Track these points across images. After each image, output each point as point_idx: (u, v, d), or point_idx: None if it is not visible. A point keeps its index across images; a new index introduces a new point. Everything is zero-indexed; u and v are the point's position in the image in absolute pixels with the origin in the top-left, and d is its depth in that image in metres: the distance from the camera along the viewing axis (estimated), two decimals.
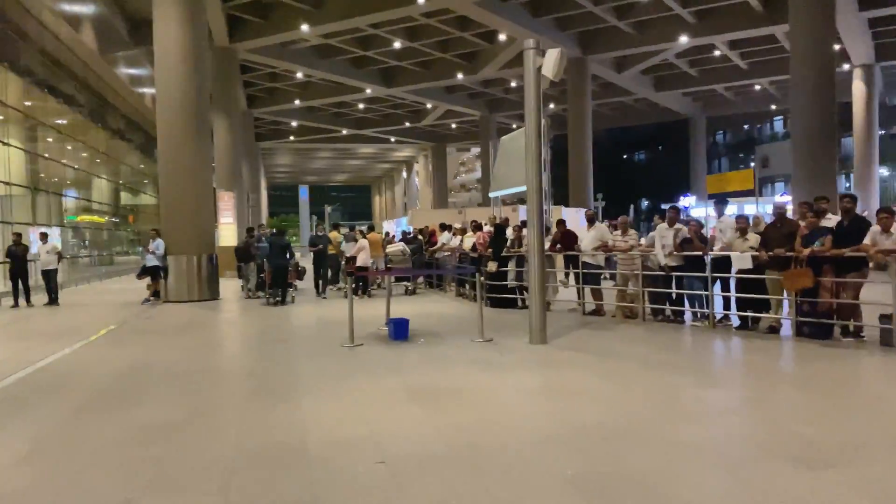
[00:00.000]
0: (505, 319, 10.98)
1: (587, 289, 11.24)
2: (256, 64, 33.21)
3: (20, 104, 20.15)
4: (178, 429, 5.23)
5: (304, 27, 25.79)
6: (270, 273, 15.12)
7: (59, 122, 23.94)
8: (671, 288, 9.99)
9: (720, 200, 10.22)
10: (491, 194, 16.90)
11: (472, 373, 6.97)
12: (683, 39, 29.64)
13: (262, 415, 5.57)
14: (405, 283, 17.03)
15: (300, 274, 17.26)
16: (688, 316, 10.11)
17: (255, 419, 5.44)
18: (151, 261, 16.00)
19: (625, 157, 68.24)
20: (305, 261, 19.51)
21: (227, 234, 24.85)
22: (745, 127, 62.53)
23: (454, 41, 31.76)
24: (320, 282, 16.75)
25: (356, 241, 17.13)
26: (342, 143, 58.92)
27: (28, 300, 15.76)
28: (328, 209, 49.04)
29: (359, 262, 15.71)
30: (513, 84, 40.11)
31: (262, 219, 43.53)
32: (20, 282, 15.59)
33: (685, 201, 39.07)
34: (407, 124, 50.30)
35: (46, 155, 22.74)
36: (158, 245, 16.01)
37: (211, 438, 4.97)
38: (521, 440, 4.68)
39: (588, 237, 11.25)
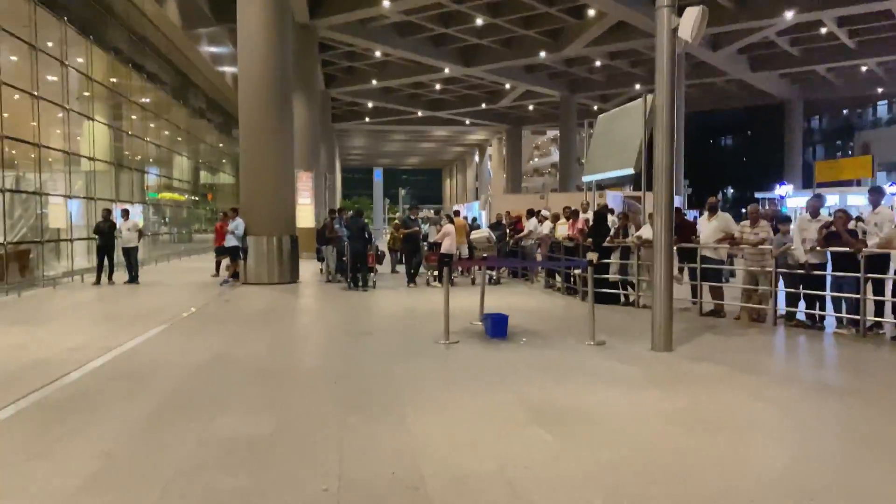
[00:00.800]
0: (609, 318, 9.90)
1: (706, 286, 10.01)
2: (335, 42, 32.71)
3: (105, 80, 20.09)
4: (268, 447, 4.45)
5: (386, 2, 24.99)
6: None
7: (143, 99, 23.95)
8: (812, 288, 8.69)
9: (876, 189, 8.82)
10: (585, 178, 15.70)
11: (597, 387, 5.97)
12: (789, 15, 27.42)
13: (362, 432, 4.74)
14: (490, 271, 16.07)
15: (379, 258, 16.57)
16: (829, 321, 8.80)
17: (356, 439, 4.61)
18: (231, 241, 15.57)
19: (711, 142, 65.14)
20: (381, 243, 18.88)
21: (305, 215, 24.43)
22: (844, 112, 58.57)
23: (539, 17, 30.38)
24: (412, 270, 15.73)
25: (439, 225, 16.31)
26: (416, 126, 58.26)
27: (110, 278, 15.61)
28: (402, 192, 48.43)
29: (443, 249, 14.87)
30: (597, 63, 38.43)
31: (337, 201, 43.44)
32: (106, 258, 15.46)
33: (782, 190, 36.66)
34: (483, 106, 49.11)
35: (129, 132, 22.75)
36: (238, 225, 15.56)
37: (307, 464, 4.16)
38: (703, 498, 3.67)
39: (708, 228, 10.01)
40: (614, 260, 11.23)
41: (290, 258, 16.13)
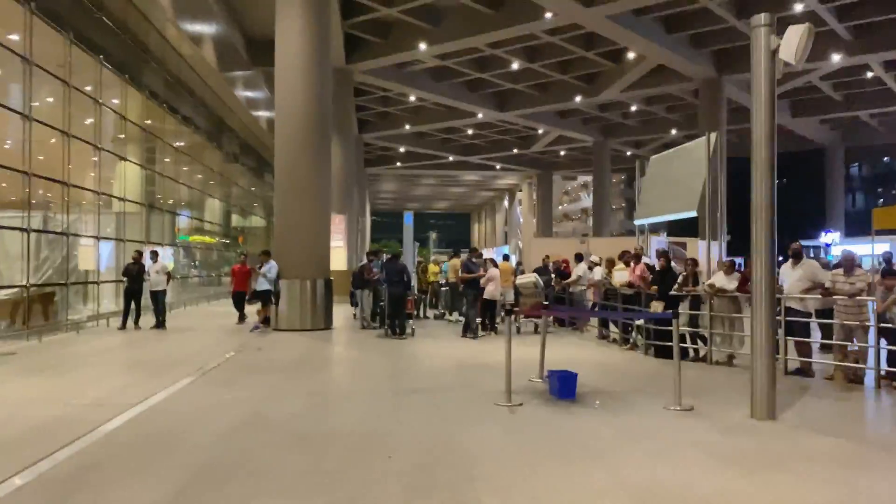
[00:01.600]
0: (683, 376, 8.87)
1: (791, 342, 8.95)
2: (370, 87, 32.54)
3: (140, 120, 19.80)
4: None
5: (423, 46, 24.69)
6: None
7: (177, 140, 23.69)
8: None
9: None
10: (638, 221, 14.82)
11: (707, 466, 4.96)
12: (836, 58, 26.59)
13: None
14: (536, 319, 15.08)
15: (417, 303, 15.73)
16: None
17: None
18: (262, 284, 14.83)
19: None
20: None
21: (338, 258, 23.77)
22: (886, 159, 57.15)
23: (575, 61, 29.95)
24: (478, 320, 14.07)
25: (483, 268, 15.43)
26: (447, 170, 57.99)
27: (137, 322, 14.93)
28: (433, 235, 47.82)
29: (487, 294, 13.98)
30: (632, 108, 37.81)
31: (367, 244, 42.83)
32: (133, 302, 14.82)
33: (827, 238, 35.28)
34: (515, 150, 48.69)
35: (162, 173, 22.42)
36: (271, 268, 14.85)
37: None
38: None
39: (793, 276, 8.99)
40: (683, 311, 10.20)
41: (324, 303, 15.33)
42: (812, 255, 30.87)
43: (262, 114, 31.77)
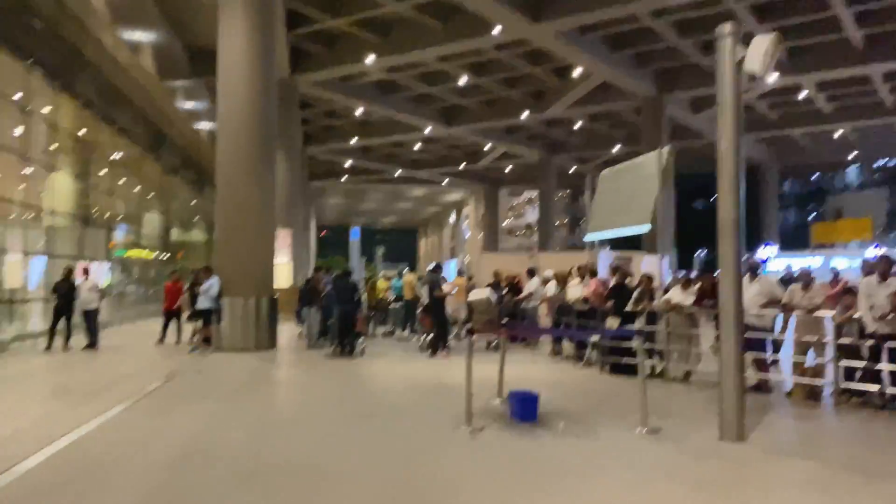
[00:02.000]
0: (630, 393, 8.70)
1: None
2: (315, 99, 32.01)
3: (73, 130, 18.83)
4: None
5: (370, 58, 24.34)
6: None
7: (113, 151, 22.67)
8: (880, 362, 7.60)
9: (886, 259, 7.86)
10: (589, 236, 14.70)
11: (684, 496, 4.71)
12: (773, 78, 27.37)
13: None
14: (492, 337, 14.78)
15: (367, 321, 15.29)
16: None
17: None
18: (203, 302, 14.14)
19: (686, 204, 65.38)
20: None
21: (282, 274, 23.09)
22: (814, 176, 59.43)
23: (522, 78, 30.09)
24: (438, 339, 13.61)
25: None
26: (394, 185, 57.69)
27: (67, 342, 14.01)
28: (381, 251, 47.30)
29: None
30: (577, 125, 38.23)
31: (312, 259, 42.03)
32: (64, 321, 13.92)
33: (765, 252, 36.22)
34: (462, 166, 48.72)
35: (97, 185, 21.40)
36: (212, 285, 14.17)
37: None
38: None
39: (749, 292, 8.92)
40: (639, 327, 10.06)
41: (269, 322, 14.72)
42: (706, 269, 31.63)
43: (204, 125, 30.89)
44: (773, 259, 35.90)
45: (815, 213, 57.18)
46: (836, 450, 6.22)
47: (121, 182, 24.11)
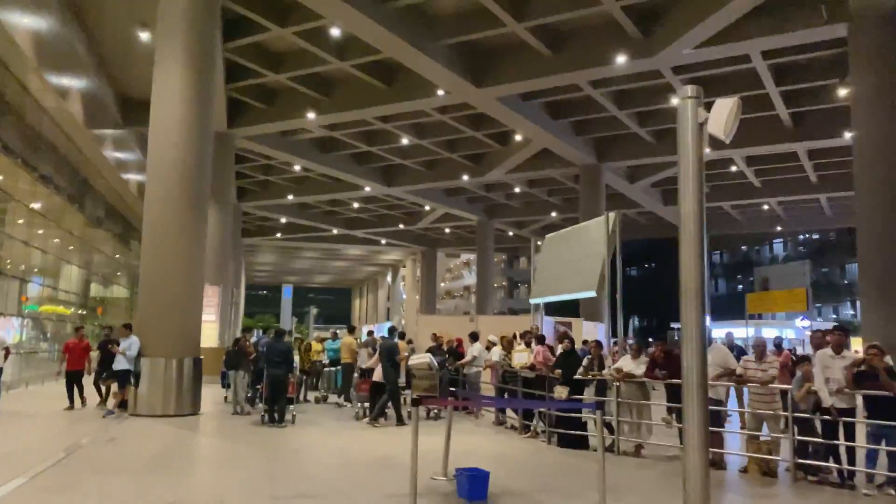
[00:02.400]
0: (587, 469, 8.25)
1: None
2: (251, 154, 31.35)
3: None
4: None
5: (311, 115, 24.01)
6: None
7: (31, 199, 21.36)
8: (836, 437, 7.37)
9: (841, 329, 7.80)
10: (533, 300, 14.44)
11: None
12: (706, 151, 28.23)
13: None
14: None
15: (298, 386, 14.44)
16: (859, 478, 7.43)
17: None
18: (121, 363, 13.06)
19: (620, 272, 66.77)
20: None
21: (208, 333, 21.92)
22: (743, 248, 61.73)
23: (464, 141, 30.30)
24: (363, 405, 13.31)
25: (374, 348, 14.44)
26: (330, 244, 56.85)
27: None
28: (314, 311, 46.10)
29: (375, 377, 12.94)
30: (516, 190, 38.67)
31: (240, 319, 40.54)
32: None
33: None
34: (401, 226, 48.48)
35: (12, 234, 20.02)
36: (131, 344, 13.15)
37: None
38: None
39: None
40: (588, 396, 9.67)
41: (192, 385, 13.69)
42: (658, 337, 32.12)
43: (133, 176, 29.68)
44: (708, 327, 36.70)
45: (742, 284, 59.12)
46: None
47: (39, 232, 22.70)
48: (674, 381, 8.88)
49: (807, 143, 27.51)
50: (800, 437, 7.63)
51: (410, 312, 62.10)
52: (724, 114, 5.76)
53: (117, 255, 35.35)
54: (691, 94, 6.07)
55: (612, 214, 11.84)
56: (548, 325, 22.40)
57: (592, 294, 11.60)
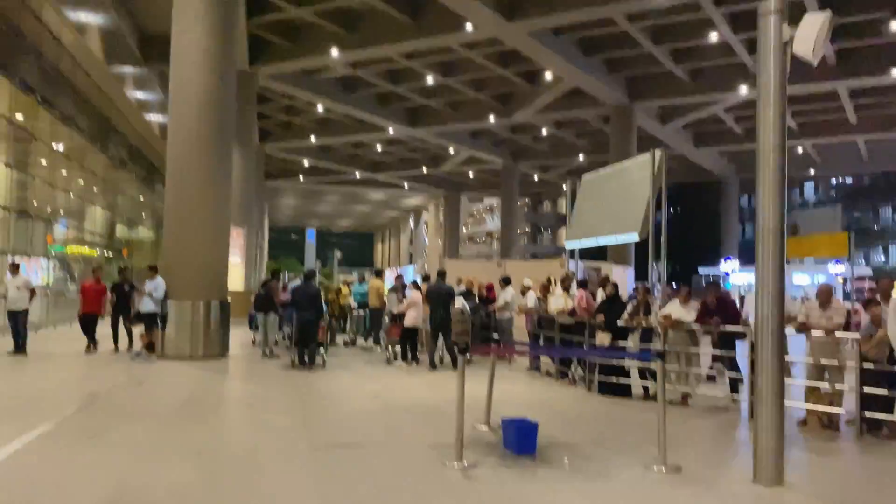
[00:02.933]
0: (636, 419, 7.86)
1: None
2: (274, 94, 30.66)
3: (9, 114, 17.21)
4: None
5: (335, 52, 23.20)
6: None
7: (53, 140, 20.99)
8: None
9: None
10: (568, 245, 13.89)
11: None
12: (743, 91, 27.18)
13: None
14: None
15: (331, 331, 14.16)
16: None
17: None
18: (147, 305, 12.82)
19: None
20: None
21: (235, 276, 21.75)
22: None
23: (491, 80, 29.33)
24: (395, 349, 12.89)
25: (402, 292, 14.08)
26: (353, 187, 56.40)
27: None
28: (338, 254, 45.86)
29: (408, 322, 12.59)
30: (543, 132, 37.67)
31: (265, 261, 40.41)
32: None
33: (727, 266, 36.15)
34: (424, 170, 47.74)
35: (36, 176, 19.76)
36: (157, 286, 12.87)
37: None
38: None
39: None
40: (632, 343, 9.21)
41: (220, 328, 13.45)
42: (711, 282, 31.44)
43: (155, 118, 29.21)
44: (736, 272, 35.89)
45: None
46: (883, 496, 5.39)
47: (62, 173, 22.43)
48: (729, 328, 8.37)
49: (850, 80, 26.29)
50: (866, 390, 7.13)
51: (433, 257, 61.87)
52: (813, 31, 5.08)
53: (142, 197, 35.19)
54: (775, 8, 5.35)
55: (657, 152, 11.16)
56: (579, 271, 21.95)
57: (635, 237, 11.02)
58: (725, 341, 8.73)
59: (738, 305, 9.12)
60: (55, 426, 6.79)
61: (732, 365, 8.93)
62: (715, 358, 9.25)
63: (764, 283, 5.46)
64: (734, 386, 8.87)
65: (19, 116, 18.33)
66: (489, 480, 5.28)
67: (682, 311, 8.73)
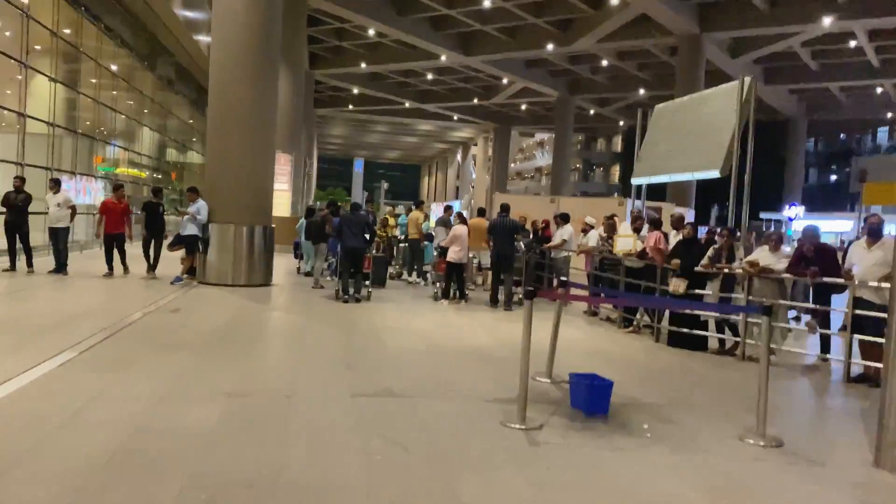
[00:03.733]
0: (715, 377, 7.01)
1: (858, 340, 7.07)
2: (325, 16, 29.49)
3: (53, 26, 16.60)
4: None
5: None
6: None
7: (101, 56, 20.40)
8: None
9: None
10: (636, 181, 12.81)
11: None
12: (826, 21, 24.96)
13: None
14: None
15: (379, 262, 13.53)
16: None
17: None
18: (189, 228, 12.31)
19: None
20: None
21: (281, 202, 21.26)
22: (841, 136, 56.90)
23: (552, 3, 27.60)
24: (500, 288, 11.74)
25: (449, 225, 13.32)
26: (402, 118, 55.23)
27: (29, 263, 12.24)
28: (385, 185, 45.24)
29: (451, 257, 11.83)
30: (604, 63, 35.70)
31: (312, 190, 40.01)
32: (18, 239, 12.10)
33: (791, 212, 34.35)
34: (475, 101, 46.22)
35: (82, 93, 19.28)
36: (200, 209, 12.34)
37: None
38: None
39: (868, 259, 7.08)
40: (712, 291, 8.28)
41: (264, 254, 12.95)
42: (773, 229, 29.88)
43: (205, 38, 28.42)
44: (800, 219, 34.09)
45: (836, 175, 54.99)
46: None
47: (110, 92, 21.94)
48: (829, 279, 7.36)
49: None
50: None
51: (480, 192, 60.77)
52: None
53: (191, 121, 34.77)
54: None
55: (748, 79, 9.95)
56: (638, 208, 20.78)
57: (716, 174, 9.95)
58: (820, 294, 7.74)
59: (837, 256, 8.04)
60: (78, 354, 6.29)
61: (824, 321, 7.96)
62: (810, 312, 8.27)
63: None
64: (825, 345, 7.92)
65: (66, 31, 17.72)
66: (558, 447, 4.53)
67: (772, 258, 7.72)
